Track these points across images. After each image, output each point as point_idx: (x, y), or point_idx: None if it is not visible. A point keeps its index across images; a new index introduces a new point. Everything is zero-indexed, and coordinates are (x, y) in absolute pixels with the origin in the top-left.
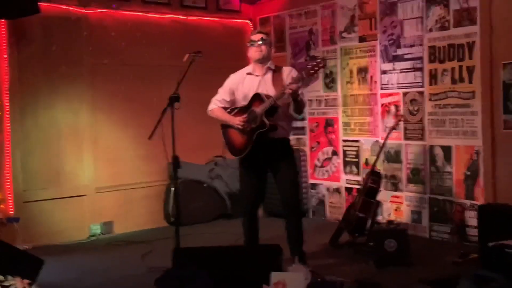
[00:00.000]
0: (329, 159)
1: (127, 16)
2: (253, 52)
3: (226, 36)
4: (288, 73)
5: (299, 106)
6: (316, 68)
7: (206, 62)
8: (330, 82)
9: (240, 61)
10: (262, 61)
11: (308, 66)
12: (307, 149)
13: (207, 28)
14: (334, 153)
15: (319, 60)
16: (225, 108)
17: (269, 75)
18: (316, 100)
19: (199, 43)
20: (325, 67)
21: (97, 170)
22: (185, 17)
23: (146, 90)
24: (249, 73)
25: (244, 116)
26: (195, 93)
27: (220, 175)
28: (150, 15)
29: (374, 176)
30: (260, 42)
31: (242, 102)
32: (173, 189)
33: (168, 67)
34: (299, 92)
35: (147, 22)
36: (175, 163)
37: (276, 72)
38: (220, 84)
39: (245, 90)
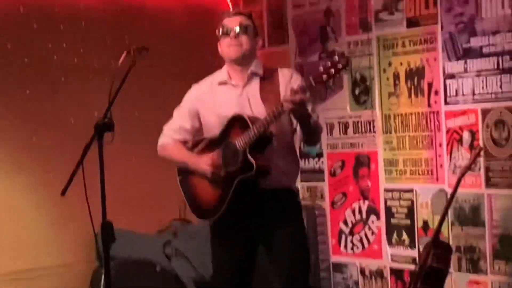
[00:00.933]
0: (363, 221)
1: None
2: (227, 47)
3: (189, 22)
4: (288, 79)
5: (311, 132)
6: (332, 70)
7: (158, 65)
8: (361, 94)
9: (216, 60)
10: (241, 61)
11: (320, 68)
12: (325, 205)
13: (158, 10)
14: (371, 211)
15: (336, 57)
16: (185, 143)
17: (254, 85)
18: (340, 123)
19: (145, 34)
20: (346, 68)
21: None
22: None
23: (55, 110)
24: (222, 82)
25: (215, 153)
26: (140, 115)
27: (182, 252)
28: None
29: (438, 250)
30: (237, 31)
31: (213, 130)
32: (103, 276)
33: (93, 72)
34: (309, 109)
35: (53, 5)
36: (107, 233)
37: (267, 79)
38: (180, 98)
39: (217, 110)
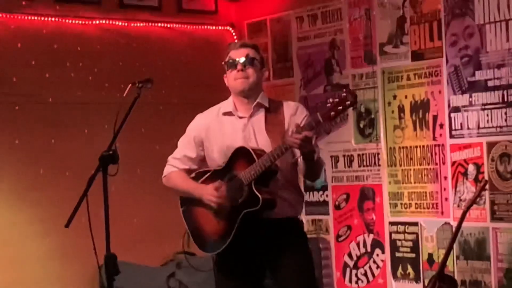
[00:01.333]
0: (368, 254)
1: (27, 23)
2: (234, 80)
3: (194, 53)
4: (293, 111)
5: (314, 169)
6: (341, 108)
7: (162, 97)
8: (366, 127)
9: (219, 93)
10: (248, 93)
11: (328, 105)
12: (330, 238)
13: (163, 41)
14: (376, 244)
15: (344, 93)
16: (190, 172)
17: (260, 116)
18: (345, 156)
19: (150, 66)
20: (355, 105)
21: None
22: (125, 23)
23: (60, 142)
24: (227, 113)
25: (220, 184)
26: (145, 148)
27: (185, 284)
28: (67, 20)
29: (444, 284)
30: (244, 63)
31: (217, 161)
32: None
33: (98, 105)
34: (314, 145)
35: (61, 32)
36: (111, 265)
37: (272, 111)
38: (185, 129)
39: (222, 140)
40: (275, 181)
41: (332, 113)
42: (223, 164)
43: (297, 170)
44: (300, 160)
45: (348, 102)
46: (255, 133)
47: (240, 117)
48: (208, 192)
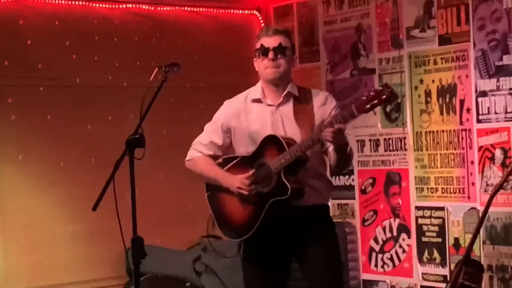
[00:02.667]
0: (394, 239)
1: (53, 7)
2: (264, 68)
3: (220, 37)
4: (322, 101)
5: (344, 160)
6: (376, 102)
7: (189, 81)
8: (393, 111)
9: (245, 77)
10: (278, 82)
11: (363, 97)
12: (356, 222)
13: (189, 25)
14: (402, 229)
15: (381, 87)
16: (215, 158)
17: (289, 105)
18: (371, 141)
19: (176, 50)
20: (392, 100)
21: (5, 261)
22: (152, 7)
23: (86, 126)
24: (256, 100)
25: (250, 173)
26: (171, 131)
27: (211, 268)
28: (92, 4)
29: (470, 268)
30: (277, 52)
31: (244, 148)
32: None
33: (124, 89)
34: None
35: (87, 17)
36: (137, 248)
37: (301, 100)
38: (211, 114)
39: (250, 127)
40: (303, 169)
41: (368, 106)
42: (252, 151)
43: (326, 159)
44: (330, 150)
45: (384, 97)
46: (283, 122)
47: (269, 105)
48: (238, 182)
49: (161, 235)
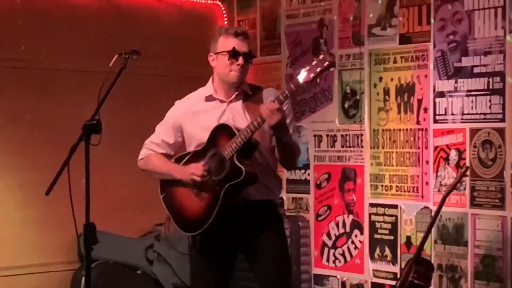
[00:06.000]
0: (347, 235)
1: None
2: (229, 70)
3: (182, 26)
4: (272, 97)
5: (288, 151)
6: (319, 69)
7: (148, 68)
8: (351, 108)
9: (205, 67)
10: (238, 81)
11: (306, 67)
12: (310, 217)
13: (152, 13)
14: (355, 225)
15: (322, 54)
16: (167, 157)
17: (239, 102)
18: (328, 136)
19: (136, 37)
20: (333, 66)
21: None
22: None
23: (44, 109)
24: (208, 97)
25: (202, 162)
26: (128, 118)
27: (164, 257)
28: None
29: (420, 267)
30: (247, 58)
31: (195, 144)
32: (84, 277)
33: (84, 73)
34: (288, 123)
35: (48, 0)
36: (89, 235)
37: (252, 96)
38: (170, 104)
39: (201, 123)
40: (256, 156)
41: (312, 75)
42: (201, 146)
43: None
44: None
45: (327, 63)
46: (234, 117)
47: (222, 101)
48: (191, 170)
49: (114, 222)
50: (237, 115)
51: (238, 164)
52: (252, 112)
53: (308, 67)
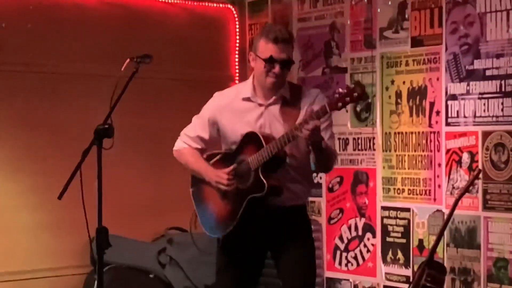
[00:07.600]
0: (359, 238)
1: None
2: (265, 75)
3: (194, 30)
4: (312, 100)
5: (323, 159)
6: (348, 99)
7: (159, 72)
8: (363, 111)
9: (219, 70)
10: (274, 88)
11: (336, 95)
12: (322, 220)
13: (164, 17)
14: (368, 228)
15: (353, 85)
16: (201, 151)
17: (278, 105)
18: (340, 139)
19: (147, 42)
20: (362, 98)
21: None
22: None
23: (55, 114)
24: (246, 98)
25: (230, 168)
26: (140, 121)
27: (176, 260)
28: None
29: (432, 270)
30: (284, 66)
31: (229, 143)
32: (96, 281)
33: (95, 78)
34: (325, 135)
35: (60, 3)
36: (102, 239)
37: (291, 100)
38: (182, 108)
39: (236, 124)
40: (285, 173)
41: (339, 104)
42: (234, 148)
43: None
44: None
45: (356, 94)
46: (270, 121)
47: (260, 104)
48: (218, 176)
49: (126, 226)
50: (273, 120)
51: (262, 177)
52: (288, 118)
53: (337, 96)
